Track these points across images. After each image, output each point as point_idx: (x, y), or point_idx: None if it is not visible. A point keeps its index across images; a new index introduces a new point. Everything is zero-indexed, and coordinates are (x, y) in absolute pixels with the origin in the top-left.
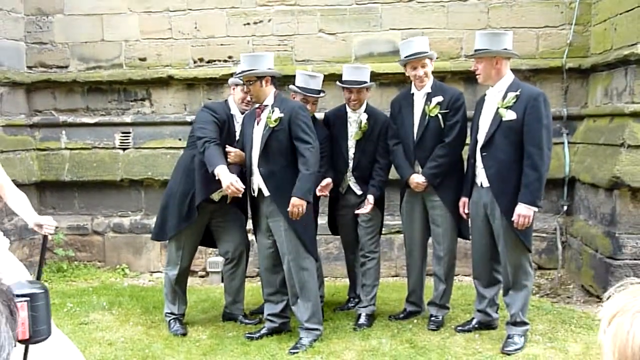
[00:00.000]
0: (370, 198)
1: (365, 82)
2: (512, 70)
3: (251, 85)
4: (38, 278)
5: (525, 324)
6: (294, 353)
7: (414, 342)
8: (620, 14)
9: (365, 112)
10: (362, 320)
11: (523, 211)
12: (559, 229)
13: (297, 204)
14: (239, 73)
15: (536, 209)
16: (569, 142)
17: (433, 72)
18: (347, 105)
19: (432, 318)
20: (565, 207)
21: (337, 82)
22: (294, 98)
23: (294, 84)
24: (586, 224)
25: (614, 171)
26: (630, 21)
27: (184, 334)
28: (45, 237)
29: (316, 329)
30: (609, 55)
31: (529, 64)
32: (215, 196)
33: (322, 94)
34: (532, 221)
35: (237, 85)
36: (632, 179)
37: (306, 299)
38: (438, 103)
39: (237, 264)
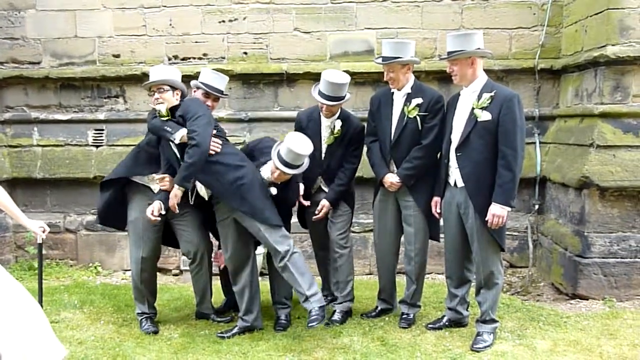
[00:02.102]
0: (325, 203)
1: (340, 100)
2: (485, 70)
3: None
4: (40, 286)
5: (494, 321)
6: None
7: (385, 339)
8: (591, 16)
9: (339, 117)
10: (336, 317)
11: (497, 211)
12: (530, 227)
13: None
14: (147, 83)
15: (510, 209)
16: (540, 142)
17: None
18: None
19: (404, 316)
20: (536, 206)
21: (312, 90)
22: (194, 92)
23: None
24: (556, 223)
25: (583, 171)
26: (600, 23)
27: (155, 332)
28: (40, 244)
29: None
30: (579, 57)
31: (501, 64)
32: (152, 185)
33: (225, 95)
34: (505, 221)
35: (198, 87)
36: (601, 178)
37: None
38: (417, 105)
39: (199, 264)
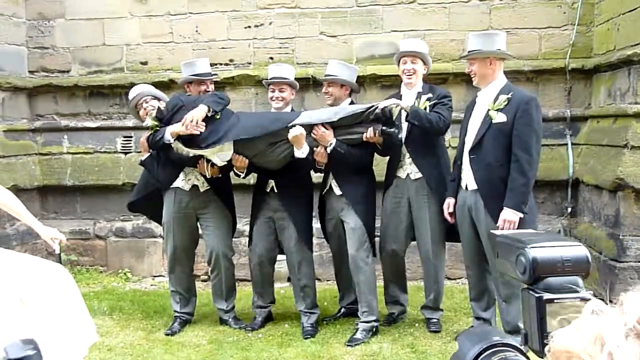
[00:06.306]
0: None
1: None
2: (514, 71)
3: None
4: None
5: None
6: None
7: (415, 346)
8: (623, 14)
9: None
10: (358, 335)
11: (508, 216)
12: (562, 230)
13: None
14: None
15: (522, 215)
16: (572, 144)
17: (435, 74)
18: None
19: (431, 320)
20: (569, 209)
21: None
22: (188, 88)
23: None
24: (590, 226)
25: (617, 172)
26: (633, 21)
27: (170, 334)
28: (59, 254)
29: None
30: (612, 56)
31: (531, 64)
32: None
33: (214, 75)
34: (517, 227)
35: (189, 82)
36: (636, 180)
37: None
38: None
39: (216, 269)
